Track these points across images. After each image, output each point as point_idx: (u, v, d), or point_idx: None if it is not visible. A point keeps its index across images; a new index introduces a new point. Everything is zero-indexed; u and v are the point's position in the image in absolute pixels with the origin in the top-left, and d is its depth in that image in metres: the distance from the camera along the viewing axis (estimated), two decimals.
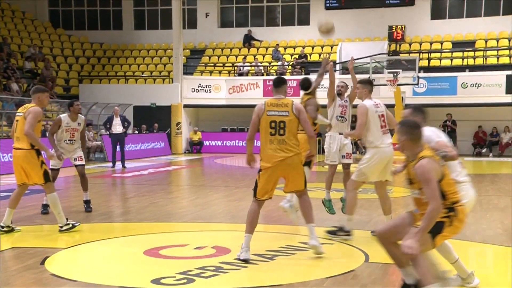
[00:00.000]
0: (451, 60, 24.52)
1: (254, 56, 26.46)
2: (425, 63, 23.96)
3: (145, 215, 8.89)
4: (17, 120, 7.21)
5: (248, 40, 27.51)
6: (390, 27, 24.75)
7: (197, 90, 24.38)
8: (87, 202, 8.98)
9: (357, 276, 5.41)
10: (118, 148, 16.89)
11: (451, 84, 22.29)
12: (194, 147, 24.22)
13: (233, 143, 24.52)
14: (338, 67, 24.55)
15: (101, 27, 29.28)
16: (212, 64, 26.70)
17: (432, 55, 24.76)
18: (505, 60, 23.53)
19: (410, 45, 25.72)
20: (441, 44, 25.57)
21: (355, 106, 8.06)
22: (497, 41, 24.81)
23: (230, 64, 26.31)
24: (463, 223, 4.32)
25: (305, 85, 7.83)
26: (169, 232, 7.71)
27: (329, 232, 6.91)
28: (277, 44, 26.81)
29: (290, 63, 25.47)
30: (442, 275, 4.54)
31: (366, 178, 6.71)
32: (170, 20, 24.80)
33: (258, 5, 28.15)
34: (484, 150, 23.04)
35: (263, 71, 25.27)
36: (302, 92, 8.00)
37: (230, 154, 23.14)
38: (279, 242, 6.70)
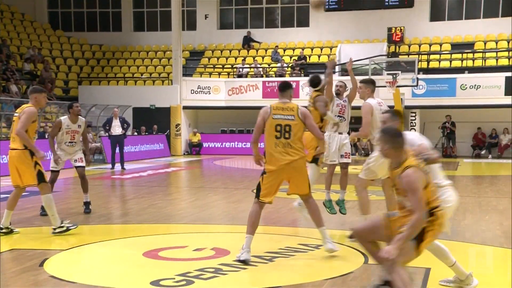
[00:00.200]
0: (450, 61, 24.55)
1: (254, 58, 26.47)
2: (424, 64, 23.99)
3: (144, 216, 8.88)
4: (13, 121, 7.21)
5: (248, 42, 27.52)
6: (389, 29, 24.78)
7: (196, 92, 24.39)
8: (86, 204, 8.98)
9: (356, 277, 5.41)
10: (117, 150, 16.89)
11: (450, 86, 22.31)
12: (194, 148, 24.21)
13: (232, 145, 24.51)
14: (337, 68, 24.56)
15: (100, 28, 29.29)
16: (212, 66, 26.71)
17: (431, 56, 24.79)
18: (504, 62, 23.56)
19: (409, 46, 25.75)
20: (440, 45, 25.60)
21: (354, 108, 8.07)
22: (496, 43, 24.85)
23: (230, 66, 26.32)
24: (443, 227, 4.33)
25: (315, 81, 7.83)
26: (168, 233, 7.71)
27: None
28: (277, 46, 26.82)
29: (290, 65, 25.48)
30: None
31: (375, 176, 6.64)
32: (170, 21, 24.80)
33: (257, 6, 28.17)
34: (483, 152, 23.05)
35: (262, 73, 25.28)
36: (310, 89, 8.00)
37: (230, 156, 23.13)
38: (278, 243, 6.69)
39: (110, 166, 17.08)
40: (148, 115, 23.99)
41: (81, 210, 8.99)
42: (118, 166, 16.92)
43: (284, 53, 26.86)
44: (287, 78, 24.40)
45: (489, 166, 19.92)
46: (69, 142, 8.85)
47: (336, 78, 24.13)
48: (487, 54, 24.17)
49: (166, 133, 23.85)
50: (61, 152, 8.87)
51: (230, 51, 27.69)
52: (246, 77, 25.16)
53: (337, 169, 7.99)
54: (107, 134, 17.35)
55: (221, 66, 26.56)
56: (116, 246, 6.88)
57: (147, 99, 24.23)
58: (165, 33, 26.63)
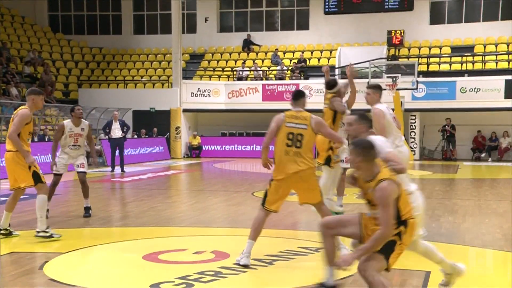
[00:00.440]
0: (450, 65, 24.57)
1: (254, 61, 26.50)
2: (424, 67, 24.02)
3: (144, 219, 8.88)
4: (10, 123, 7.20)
5: (248, 45, 27.55)
6: (389, 32, 24.82)
7: (196, 95, 24.40)
8: (86, 209, 8.95)
9: (356, 281, 5.40)
10: (117, 153, 16.89)
11: (450, 89, 22.32)
12: (193, 151, 24.22)
13: (232, 148, 24.52)
14: (337, 71, 24.58)
15: (101, 31, 29.32)
16: (212, 69, 26.74)
17: (431, 59, 24.82)
18: (504, 65, 23.58)
19: (409, 49, 25.78)
20: (440, 49, 25.63)
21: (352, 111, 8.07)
22: (496, 46, 24.87)
23: (230, 69, 26.34)
24: (412, 237, 4.29)
25: (331, 83, 7.82)
26: (168, 236, 7.70)
27: None
28: (276, 49, 26.85)
29: (289, 68, 25.50)
30: None
31: None
32: (170, 24, 24.84)
33: (257, 9, 28.21)
34: (483, 155, 23.05)
35: (262, 76, 25.30)
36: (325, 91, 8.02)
37: (229, 159, 23.13)
38: (278, 246, 6.69)
39: (110, 169, 17.08)
40: (148, 118, 24.00)
41: (81, 213, 8.98)
42: (118, 169, 16.92)
43: (284, 56, 26.89)
44: (287, 81, 24.43)
45: (489, 169, 19.92)
46: (73, 145, 8.86)
47: None
48: (487, 57, 24.20)
49: (166, 136, 23.86)
50: (65, 155, 8.88)
51: (230, 54, 27.72)
52: (246, 80, 25.19)
53: None
54: (107, 137, 17.35)
55: (221, 69, 26.58)
56: (116, 249, 6.88)
57: (147, 102, 24.24)
58: (165, 36, 26.66)
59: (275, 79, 25.08)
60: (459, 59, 24.42)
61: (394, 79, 20.55)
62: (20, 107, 7.12)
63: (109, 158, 17.61)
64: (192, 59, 27.67)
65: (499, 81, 21.83)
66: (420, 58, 24.10)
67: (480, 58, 24.21)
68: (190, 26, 28.21)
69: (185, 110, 24.17)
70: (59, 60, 27.35)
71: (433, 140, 23.52)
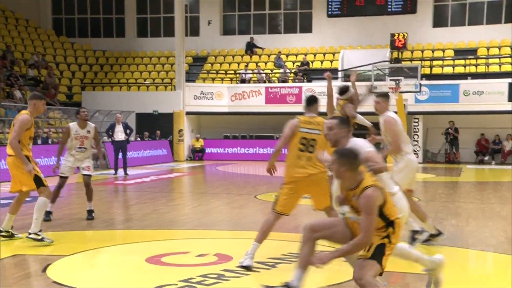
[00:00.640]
0: (453, 67, 24.54)
1: (256, 64, 26.51)
2: (427, 70, 24.00)
3: (147, 222, 8.88)
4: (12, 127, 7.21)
5: (250, 48, 27.57)
6: (392, 35, 24.81)
7: (199, 98, 24.43)
8: (89, 212, 8.96)
9: None
10: (120, 155, 16.91)
11: (453, 92, 22.29)
12: (196, 154, 24.22)
13: (235, 150, 24.52)
14: (339, 74, 24.59)
15: (104, 34, 29.39)
16: (215, 72, 26.76)
17: (434, 62, 24.79)
18: (507, 68, 23.53)
19: (412, 52, 25.76)
20: (443, 51, 25.60)
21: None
22: (499, 49, 24.84)
23: (232, 72, 26.37)
24: (399, 238, 4.30)
25: (343, 89, 7.94)
26: (171, 239, 7.70)
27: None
28: (279, 52, 26.87)
29: (292, 71, 25.51)
30: None
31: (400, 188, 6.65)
32: (173, 27, 24.89)
33: (260, 12, 28.23)
34: (486, 158, 23.00)
35: (265, 79, 25.31)
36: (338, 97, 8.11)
37: (232, 161, 23.13)
38: (281, 249, 6.68)
39: (113, 171, 17.09)
40: (151, 121, 24.03)
41: (84, 215, 8.99)
42: (121, 172, 16.94)
43: (287, 59, 26.90)
44: (290, 84, 24.44)
45: (492, 172, 19.88)
46: (79, 148, 8.88)
47: (339, 84, 24.19)
48: (490, 60, 24.16)
49: (169, 139, 23.87)
50: (71, 158, 8.90)
51: (233, 57, 27.75)
52: (249, 82, 25.20)
53: None
54: (110, 139, 17.37)
55: (224, 72, 26.60)
56: (119, 251, 6.88)
57: (150, 104, 24.28)
58: (168, 39, 26.70)
59: (278, 82, 25.09)
60: (462, 62, 24.39)
61: (397, 82, 20.53)
62: (21, 112, 7.13)
63: (112, 161, 17.63)
64: (195, 62, 27.71)
65: (503, 84, 21.79)
66: (423, 61, 24.08)
67: (483, 61, 24.16)
68: (193, 29, 28.24)
69: (188, 113, 24.18)
70: (63, 63, 27.41)
71: (436, 143, 23.48)
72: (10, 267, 6.13)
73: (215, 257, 6.32)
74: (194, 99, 24.39)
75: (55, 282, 5.42)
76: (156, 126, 23.84)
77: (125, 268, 6.11)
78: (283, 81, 25.00)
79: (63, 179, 8.87)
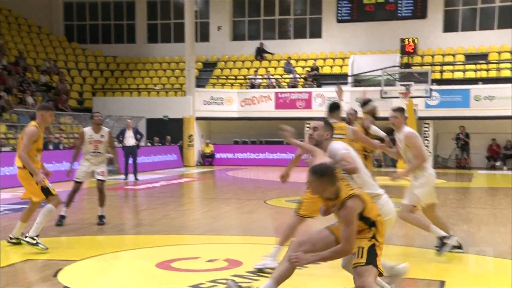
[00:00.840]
0: (464, 72, 24.42)
1: (266, 69, 26.54)
2: (437, 75, 23.89)
3: (157, 227, 8.90)
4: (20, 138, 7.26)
5: (260, 53, 27.62)
6: (402, 40, 24.75)
7: (209, 103, 24.49)
8: (100, 217, 8.98)
9: None
10: (130, 161, 16.97)
11: (464, 97, 22.16)
12: (206, 159, 24.26)
13: (245, 156, 24.53)
14: (349, 79, 24.56)
15: (115, 40, 29.59)
16: (224, 77, 26.82)
17: (445, 67, 24.67)
18: None
19: (422, 57, 25.66)
20: (454, 56, 25.48)
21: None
22: (511, 54, 24.67)
23: (242, 77, 26.41)
24: (383, 236, 4.29)
25: (364, 102, 8.20)
26: (181, 244, 7.71)
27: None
28: (289, 57, 26.88)
29: (302, 76, 25.51)
30: None
31: (419, 202, 6.60)
32: (183, 33, 24.99)
33: (270, 18, 28.28)
34: (498, 163, 22.83)
35: (275, 84, 25.32)
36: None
37: (242, 167, 23.14)
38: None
39: (123, 176, 17.15)
40: (161, 126, 24.11)
41: (95, 220, 9.02)
42: (131, 177, 16.99)
43: (296, 64, 26.90)
44: (299, 89, 24.44)
45: (504, 177, 19.71)
46: (93, 152, 8.94)
47: (349, 89, 24.17)
48: (502, 65, 24.01)
49: (179, 144, 23.93)
50: (86, 163, 8.95)
51: (243, 62, 27.80)
52: (259, 88, 25.23)
53: None
54: (120, 145, 17.45)
55: (234, 77, 26.65)
56: (129, 257, 6.90)
57: (161, 110, 24.37)
58: (179, 45, 26.81)
59: (288, 87, 25.09)
60: (473, 66, 24.25)
61: (407, 87, 20.47)
62: (29, 124, 7.18)
63: (123, 166, 17.68)
64: (205, 67, 27.79)
65: None
66: (433, 66, 23.98)
67: (494, 65, 24.02)
68: (203, 34, 28.35)
69: (198, 118, 24.24)
70: (74, 69, 27.61)
71: (447, 148, 23.35)
72: (22, 272, 6.17)
73: (225, 263, 6.31)
74: (204, 104, 24.46)
75: (66, 287, 5.44)
76: (166, 131, 23.92)
77: (135, 273, 6.13)
78: (293, 86, 25.00)
79: (78, 184, 8.92)
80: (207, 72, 27.42)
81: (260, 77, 25.79)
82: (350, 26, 26.20)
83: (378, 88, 21.34)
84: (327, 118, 6.49)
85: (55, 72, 25.18)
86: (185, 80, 24.79)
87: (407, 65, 24.01)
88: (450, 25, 26.07)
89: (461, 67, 24.59)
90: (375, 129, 7.97)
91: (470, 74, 24.17)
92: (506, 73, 23.62)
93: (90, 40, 29.68)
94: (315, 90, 23.98)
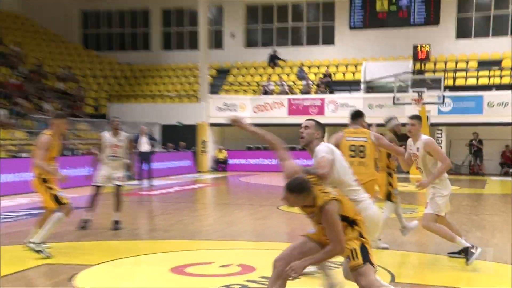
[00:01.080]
0: (477, 79, 24.23)
1: (279, 75, 26.56)
2: (450, 82, 23.72)
3: (171, 233, 8.91)
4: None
5: (273, 60, 27.64)
6: (415, 47, 24.63)
7: (222, 109, 24.54)
8: (115, 222, 9.01)
9: None
10: (145, 166, 17.04)
11: (477, 103, 21.98)
12: (219, 165, 24.29)
13: (258, 162, 24.53)
14: (362, 86, 24.50)
15: (130, 48, 29.83)
16: (238, 83, 26.88)
17: (458, 74, 24.50)
18: None
19: (435, 64, 25.51)
20: (467, 63, 25.30)
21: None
22: None
23: (255, 83, 26.45)
24: (368, 235, 4.26)
25: (386, 120, 8.15)
26: (195, 250, 7.71)
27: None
28: (302, 64, 26.88)
29: (315, 82, 25.48)
30: None
31: (441, 211, 6.53)
32: (197, 40, 25.09)
33: (283, 25, 28.33)
34: (511, 170, 22.59)
35: (287, 90, 25.33)
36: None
37: (255, 173, 23.13)
38: None
39: (138, 182, 17.21)
40: (175, 132, 24.20)
41: (109, 225, 9.05)
42: (145, 183, 17.04)
43: (309, 70, 26.89)
44: (312, 96, 24.41)
45: None
46: (111, 156, 9.01)
47: (361, 95, 24.06)
48: None
49: (192, 150, 23.99)
50: (105, 167, 9.01)
51: (256, 69, 27.85)
52: (272, 94, 25.24)
53: None
54: (135, 151, 17.52)
55: (247, 83, 26.70)
56: (143, 262, 6.91)
57: (175, 116, 24.47)
58: (193, 52, 26.94)
59: (301, 94, 25.07)
60: (486, 73, 24.06)
61: (420, 93, 20.35)
62: (43, 132, 7.25)
63: (137, 172, 17.75)
64: (218, 74, 27.86)
65: None
66: (446, 72, 23.82)
67: (508, 72, 23.80)
68: (217, 41, 28.46)
69: (211, 124, 24.30)
70: (90, 76, 27.84)
71: (460, 154, 23.15)
72: (37, 276, 6.21)
73: (238, 268, 6.30)
74: (217, 110, 24.51)
75: None
76: (180, 137, 24.00)
77: (149, 278, 6.13)
78: (306, 93, 24.98)
79: (97, 188, 8.98)
80: (220, 79, 27.50)
81: (273, 83, 25.80)
82: (363, 32, 26.16)
83: (391, 95, 21.25)
84: (350, 124, 6.55)
85: (71, 79, 25.40)
86: (199, 86, 24.87)
87: (420, 72, 23.89)
88: (463, 32, 25.91)
89: (474, 74, 24.40)
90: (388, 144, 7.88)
91: (483, 81, 23.97)
92: None
93: (106, 47, 29.94)
94: (327, 97, 23.94)
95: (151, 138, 17.46)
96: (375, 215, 4.53)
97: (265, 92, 25.41)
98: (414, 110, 20.01)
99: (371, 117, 8.52)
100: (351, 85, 25.04)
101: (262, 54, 27.92)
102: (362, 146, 6.18)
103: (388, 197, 7.63)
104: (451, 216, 10.33)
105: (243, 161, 24.66)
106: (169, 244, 8.00)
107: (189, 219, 10.40)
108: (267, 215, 10.99)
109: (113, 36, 30.20)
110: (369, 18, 25.14)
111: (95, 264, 6.58)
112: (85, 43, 30.12)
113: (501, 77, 23.82)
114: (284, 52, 27.76)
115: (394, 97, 20.94)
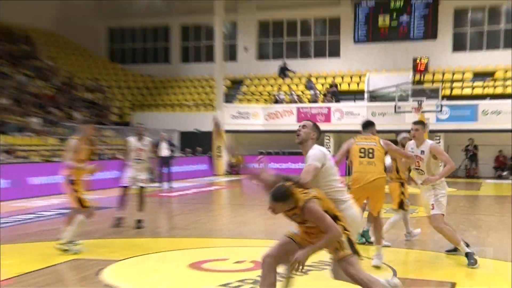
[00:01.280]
0: (472, 89, 24.06)
1: (289, 86, 26.56)
2: (447, 92, 23.58)
3: (189, 231, 8.93)
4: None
5: (283, 71, 27.66)
6: (415, 59, 24.51)
7: (236, 117, 24.58)
8: (139, 221, 9.01)
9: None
10: (165, 170, 17.10)
11: (473, 112, 21.83)
12: (233, 169, 24.29)
13: (269, 165, 24.45)
14: (366, 95, 24.42)
15: (152, 61, 30.04)
16: (251, 93, 26.92)
17: (454, 84, 24.35)
18: None
19: (433, 75, 25.37)
20: (463, 74, 25.14)
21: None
22: None
23: (267, 93, 26.48)
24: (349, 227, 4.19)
25: (398, 133, 8.20)
26: (211, 247, 7.71)
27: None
28: (310, 75, 26.86)
29: (322, 92, 25.45)
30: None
31: (444, 210, 6.49)
32: (213, 53, 25.19)
33: (292, 40, 28.39)
34: (504, 173, 22.37)
35: (297, 100, 25.31)
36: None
37: None
38: (311, 257, 6.60)
39: (159, 184, 17.27)
40: (193, 139, 24.28)
41: (133, 224, 9.08)
42: (166, 185, 17.09)
43: (317, 81, 26.86)
44: (319, 104, 24.37)
45: (510, 186, 19.27)
46: (136, 159, 9.08)
47: (365, 104, 23.98)
48: (507, 82, 23.60)
49: (209, 155, 24.04)
50: (131, 169, 9.09)
51: (268, 80, 27.87)
52: (282, 103, 25.25)
53: None
54: (155, 155, 17.60)
55: (259, 93, 26.74)
56: (164, 258, 6.93)
57: (192, 124, 24.56)
58: (209, 64, 27.03)
59: (309, 103, 25.05)
60: (480, 84, 23.89)
61: (419, 102, 20.23)
62: (71, 138, 7.36)
63: (158, 175, 17.83)
64: (233, 84, 27.93)
65: None
66: (443, 83, 23.68)
67: (501, 82, 23.62)
68: (231, 54, 28.54)
69: (226, 131, 24.31)
70: (115, 87, 28.04)
71: (457, 159, 22.94)
72: (69, 270, 6.25)
73: (251, 264, 6.29)
74: (232, 118, 24.55)
75: (107, 285, 5.49)
76: (197, 143, 24.06)
77: (169, 273, 6.15)
78: (314, 102, 24.95)
79: (125, 189, 9.04)
80: (235, 89, 27.56)
81: (283, 93, 25.81)
82: (366, 46, 26.09)
83: (393, 103, 21.16)
84: (362, 132, 6.46)
85: (98, 90, 25.60)
86: (215, 96, 24.94)
87: (419, 82, 23.76)
88: (459, 45, 25.77)
89: (470, 84, 24.23)
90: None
91: (478, 91, 23.79)
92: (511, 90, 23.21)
93: (130, 61, 30.19)
94: (334, 105, 23.90)
95: (171, 144, 17.52)
96: (355, 214, 4.42)
97: (276, 101, 25.42)
98: (414, 117, 19.87)
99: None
100: (356, 95, 24.97)
101: (273, 66, 27.94)
102: (371, 149, 6.14)
103: (401, 205, 7.61)
104: (449, 217, 10.27)
105: (256, 165, 24.60)
106: (187, 242, 8.01)
107: (205, 219, 10.42)
108: (277, 216, 10.92)
109: (137, 50, 30.44)
110: (372, 33, 25.07)
111: (120, 260, 6.62)
112: (111, 57, 30.38)
113: (494, 87, 23.64)
114: (294, 64, 27.77)
115: (395, 106, 20.83)
